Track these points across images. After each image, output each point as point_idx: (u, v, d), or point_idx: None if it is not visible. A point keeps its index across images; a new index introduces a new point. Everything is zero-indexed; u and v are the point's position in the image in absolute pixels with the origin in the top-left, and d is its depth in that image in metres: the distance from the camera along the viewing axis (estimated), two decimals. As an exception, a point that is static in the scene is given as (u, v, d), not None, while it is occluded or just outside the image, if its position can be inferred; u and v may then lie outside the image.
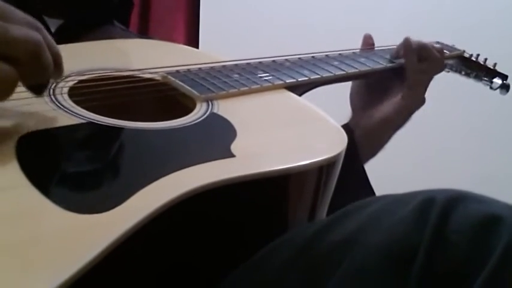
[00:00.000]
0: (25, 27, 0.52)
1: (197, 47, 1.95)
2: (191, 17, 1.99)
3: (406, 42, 0.91)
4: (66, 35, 0.82)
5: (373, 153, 0.93)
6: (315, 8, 1.97)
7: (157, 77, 0.74)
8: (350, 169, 0.71)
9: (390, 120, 0.91)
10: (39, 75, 0.54)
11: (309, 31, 1.91)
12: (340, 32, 1.61)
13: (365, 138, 0.91)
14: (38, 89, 0.57)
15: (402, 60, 0.92)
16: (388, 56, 0.93)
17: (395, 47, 0.94)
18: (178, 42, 1.91)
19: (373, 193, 0.87)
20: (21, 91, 0.55)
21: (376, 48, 0.96)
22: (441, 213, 0.47)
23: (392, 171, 1.64)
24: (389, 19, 1.86)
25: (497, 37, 1.76)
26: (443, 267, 0.45)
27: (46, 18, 0.84)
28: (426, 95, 0.93)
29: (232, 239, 0.57)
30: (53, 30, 0.84)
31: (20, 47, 0.51)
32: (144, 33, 1.88)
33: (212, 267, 0.56)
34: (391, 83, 0.92)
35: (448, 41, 1.03)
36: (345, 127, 0.88)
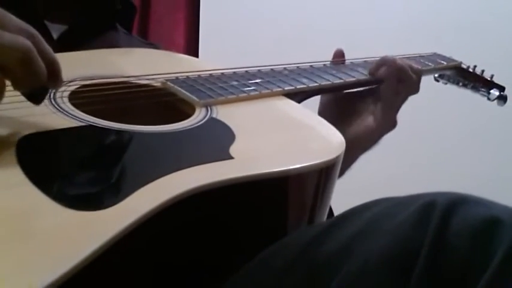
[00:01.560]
0: (16, 34, 0.51)
1: (197, 47, 1.96)
2: (191, 17, 2.00)
3: (389, 62, 0.87)
4: (69, 41, 0.82)
5: (340, 173, 0.90)
6: (315, 8, 1.98)
7: (156, 83, 0.74)
8: None
9: (359, 142, 0.87)
10: (29, 82, 0.53)
11: (309, 31, 1.92)
12: (341, 35, 1.62)
13: None
14: (35, 97, 0.56)
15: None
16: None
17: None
18: (179, 42, 1.92)
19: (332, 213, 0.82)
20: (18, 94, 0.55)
21: (373, 58, 0.96)
22: (442, 217, 0.47)
23: (391, 174, 1.64)
24: (388, 23, 1.87)
25: (495, 46, 1.77)
26: (444, 271, 0.45)
27: (48, 24, 0.84)
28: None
29: (231, 242, 0.57)
30: (55, 35, 0.84)
31: (7, 54, 0.50)
32: (144, 33, 1.90)
33: (210, 269, 0.56)
34: (362, 104, 0.89)
35: (445, 49, 1.03)
36: None
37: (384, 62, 0.88)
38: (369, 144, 0.88)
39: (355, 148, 0.86)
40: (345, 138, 0.82)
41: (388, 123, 0.87)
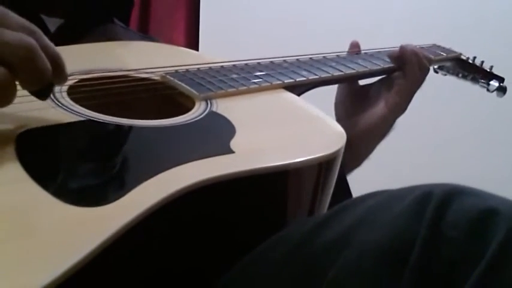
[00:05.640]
0: (19, 32, 0.51)
1: (197, 46, 1.96)
2: (191, 16, 2.00)
3: (410, 50, 0.90)
4: (66, 35, 0.83)
5: (357, 163, 0.92)
6: (315, 7, 1.98)
7: (156, 76, 0.74)
8: None
9: (375, 129, 0.90)
10: (36, 79, 0.53)
11: (308, 30, 1.92)
12: (339, 32, 1.61)
13: (349, 147, 0.81)
14: (41, 93, 0.56)
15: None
16: (385, 58, 0.93)
17: (388, 49, 0.94)
18: (178, 42, 1.92)
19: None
20: (20, 89, 0.55)
21: (372, 50, 0.96)
22: (437, 208, 0.47)
23: (390, 172, 1.64)
24: (388, 20, 1.87)
25: (494, 38, 1.77)
26: (439, 262, 0.45)
27: (45, 18, 0.84)
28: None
29: (231, 235, 0.57)
30: (52, 29, 0.84)
31: (12, 52, 0.50)
32: (144, 32, 1.89)
33: (211, 262, 0.56)
34: (375, 92, 0.92)
35: (445, 42, 1.03)
36: None
37: (405, 50, 0.90)
38: (385, 131, 0.91)
39: (372, 135, 0.90)
40: (361, 126, 0.88)
41: (401, 109, 0.90)
